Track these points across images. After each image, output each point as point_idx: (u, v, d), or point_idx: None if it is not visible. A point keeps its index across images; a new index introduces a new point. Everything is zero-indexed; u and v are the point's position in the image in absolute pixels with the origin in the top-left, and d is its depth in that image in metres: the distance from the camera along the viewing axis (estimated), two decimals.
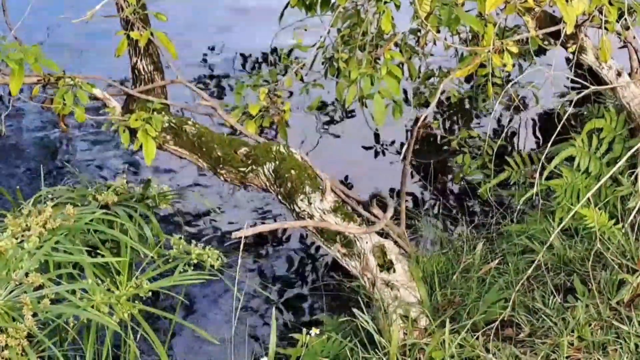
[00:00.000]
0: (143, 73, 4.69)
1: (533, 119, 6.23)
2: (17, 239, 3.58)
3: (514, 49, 4.07)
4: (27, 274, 3.27)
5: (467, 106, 6.52)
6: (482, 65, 4.20)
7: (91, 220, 3.94)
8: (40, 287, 3.24)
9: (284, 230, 5.27)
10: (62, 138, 6.29)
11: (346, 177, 5.79)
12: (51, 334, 3.38)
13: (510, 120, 6.14)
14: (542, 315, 3.81)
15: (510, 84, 4.22)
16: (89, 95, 4.37)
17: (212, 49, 7.93)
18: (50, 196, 4.23)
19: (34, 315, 3.09)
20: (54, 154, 6.11)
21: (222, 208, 5.58)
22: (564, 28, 3.59)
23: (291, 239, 5.28)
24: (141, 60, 4.66)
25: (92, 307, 3.40)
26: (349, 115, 6.65)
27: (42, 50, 4.14)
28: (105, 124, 4.55)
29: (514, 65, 4.30)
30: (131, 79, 4.84)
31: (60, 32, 7.66)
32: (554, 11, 4.27)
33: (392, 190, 5.47)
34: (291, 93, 6.25)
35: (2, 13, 4.56)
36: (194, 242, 4.13)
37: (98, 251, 3.88)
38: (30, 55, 4.11)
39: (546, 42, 4.66)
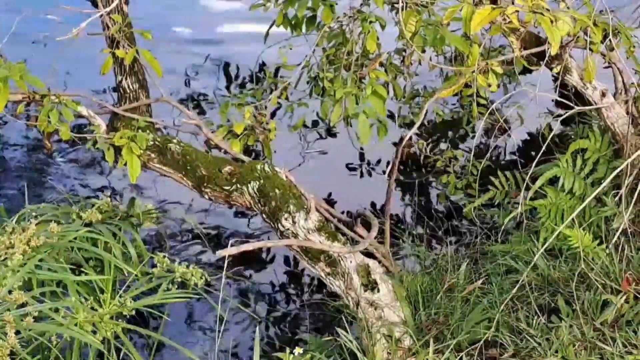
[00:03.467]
0: (128, 91, 4.69)
1: (518, 139, 6.25)
2: (0, 256, 3.57)
3: (499, 70, 4.09)
4: (10, 292, 3.26)
5: (452, 126, 6.54)
6: (467, 86, 4.23)
7: (75, 238, 3.93)
8: (24, 304, 3.23)
9: (269, 249, 5.26)
10: (46, 155, 6.26)
11: (330, 196, 5.79)
12: (34, 352, 3.36)
13: (494, 140, 6.16)
14: (526, 336, 3.80)
15: (495, 104, 4.24)
16: (74, 113, 4.36)
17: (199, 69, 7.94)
18: (34, 214, 4.21)
19: (17, 333, 3.08)
20: (38, 172, 6.09)
21: (205, 224, 5.56)
22: (548, 49, 3.61)
23: (276, 257, 5.27)
24: (126, 78, 4.65)
25: (76, 325, 3.38)
26: (331, 138, 6.66)
27: (27, 68, 4.14)
28: (90, 141, 4.54)
29: (498, 86, 4.33)
30: (117, 96, 4.84)
31: (45, 49, 7.65)
32: (538, 32, 4.30)
33: (376, 209, 5.48)
34: (277, 109, 6.26)
35: None
36: (177, 260, 4.11)
37: (82, 269, 3.86)
38: (15, 72, 4.10)
39: (531, 63, 4.69)
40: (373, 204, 5.54)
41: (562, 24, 3.40)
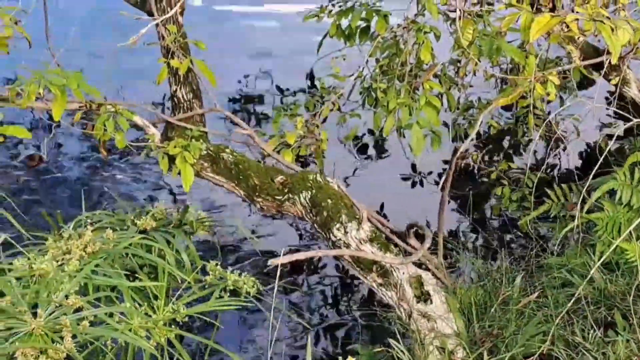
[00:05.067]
0: (182, 101, 4.73)
1: (574, 152, 6.16)
2: (57, 261, 3.61)
3: (556, 80, 4.05)
4: (67, 296, 3.30)
5: (507, 138, 6.50)
6: (522, 97, 4.19)
7: (130, 245, 3.96)
8: (80, 309, 3.26)
9: (320, 258, 5.25)
10: (102, 163, 6.34)
11: (382, 207, 5.77)
12: (89, 356, 3.38)
13: (550, 153, 6.08)
14: (582, 350, 3.75)
15: (551, 115, 4.20)
16: (129, 122, 4.41)
17: (247, 76, 7.98)
18: (90, 220, 4.25)
19: (73, 337, 3.10)
20: (94, 179, 6.16)
21: (259, 233, 5.56)
22: (607, 59, 3.56)
23: (327, 267, 5.25)
24: (181, 88, 4.70)
25: (130, 330, 3.40)
26: (383, 149, 6.65)
27: (84, 76, 4.19)
28: (144, 150, 4.58)
29: (555, 96, 4.27)
30: (170, 106, 4.88)
31: (100, 59, 7.75)
32: (599, 40, 4.25)
33: (429, 221, 5.44)
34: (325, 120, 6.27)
35: (46, 39, 4.63)
36: (230, 268, 4.12)
37: (136, 275, 3.88)
38: (72, 81, 4.15)
39: (589, 74, 4.63)
40: (426, 216, 5.49)
41: (623, 32, 3.35)
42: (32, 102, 4.15)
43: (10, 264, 3.63)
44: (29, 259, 3.63)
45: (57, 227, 4.28)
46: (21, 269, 3.56)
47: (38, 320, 3.15)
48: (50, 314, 3.21)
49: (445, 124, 6.23)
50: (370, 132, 6.66)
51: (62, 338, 3.10)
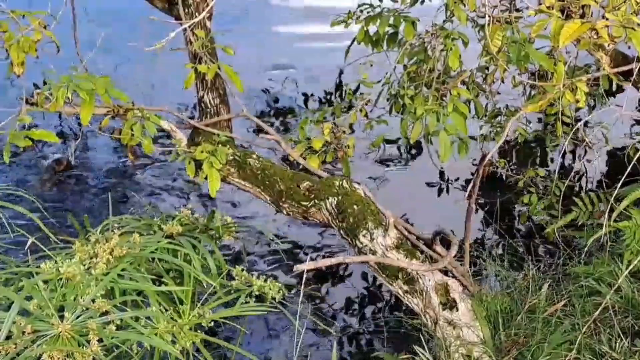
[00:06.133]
0: (209, 106, 4.75)
1: (602, 159, 6.12)
2: (84, 265, 3.63)
3: (584, 88, 4.01)
4: (93, 300, 3.31)
5: (534, 145, 6.46)
6: (551, 105, 4.15)
7: (156, 249, 3.97)
8: (106, 313, 3.27)
9: (346, 265, 5.24)
10: (129, 168, 6.37)
11: (409, 214, 5.75)
12: None
13: (578, 160, 6.05)
14: (609, 359, 3.71)
15: (580, 123, 4.16)
16: (156, 126, 4.42)
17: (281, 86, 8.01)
18: (117, 225, 4.26)
19: (100, 340, 3.12)
20: (121, 184, 6.19)
21: (284, 239, 5.57)
22: (636, 67, 3.52)
23: (353, 274, 5.24)
24: (208, 93, 4.71)
25: (156, 334, 3.41)
26: (413, 154, 6.63)
27: (111, 81, 4.21)
28: (171, 155, 4.60)
29: (584, 104, 4.24)
30: (198, 111, 4.89)
31: (128, 64, 7.80)
32: (629, 47, 4.21)
33: (455, 228, 5.40)
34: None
35: (75, 44, 4.66)
36: (255, 273, 4.12)
37: (162, 280, 3.89)
38: (100, 86, 4.18)
39: (619, 81, 4.58)
40: (452, 223, 5.47)
41: None
42: (60, 107, 4.18)
43: (38, 267, 3.65)
44: (56, 262, 3.64)
45: (84, 231, 4.30)
46: (48, 272, 3.58)
47: (65, 324, 3.16)
48: (77, 317, 3.22)
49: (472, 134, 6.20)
50: (398, 139, 6.65)
51: (88, 341, 3.11)
